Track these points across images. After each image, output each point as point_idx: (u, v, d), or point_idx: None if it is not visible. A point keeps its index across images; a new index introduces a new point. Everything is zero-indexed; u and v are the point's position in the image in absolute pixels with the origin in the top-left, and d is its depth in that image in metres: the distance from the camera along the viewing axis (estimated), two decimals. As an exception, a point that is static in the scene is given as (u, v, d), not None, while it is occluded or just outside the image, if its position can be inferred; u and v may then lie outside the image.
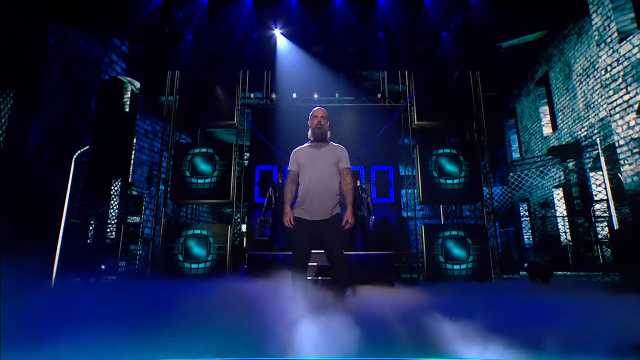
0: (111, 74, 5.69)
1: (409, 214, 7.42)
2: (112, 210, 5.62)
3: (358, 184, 5.88)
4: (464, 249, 4.79)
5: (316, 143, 2.43)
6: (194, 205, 6.46)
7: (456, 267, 4.74)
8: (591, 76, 6.29)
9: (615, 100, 4.04)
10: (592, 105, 6.34)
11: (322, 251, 2.30)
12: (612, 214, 4.24)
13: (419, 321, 1.72)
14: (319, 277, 3.70)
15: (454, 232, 4.87)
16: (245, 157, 8.12)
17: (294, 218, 2.30)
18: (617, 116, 4.01)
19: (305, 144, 2.50)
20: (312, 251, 2.31)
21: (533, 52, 8.04)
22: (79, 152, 4.09)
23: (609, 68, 4.13)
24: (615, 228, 4.19)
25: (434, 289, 3.77)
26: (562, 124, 7.35)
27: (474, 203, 5.70)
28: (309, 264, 2.35)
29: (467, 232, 4.88)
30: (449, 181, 5.06)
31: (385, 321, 1.81)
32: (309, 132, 2.50)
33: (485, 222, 5.10)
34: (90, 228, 5.29)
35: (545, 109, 8.27)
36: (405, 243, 6.85)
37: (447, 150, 5.18)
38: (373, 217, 5.72)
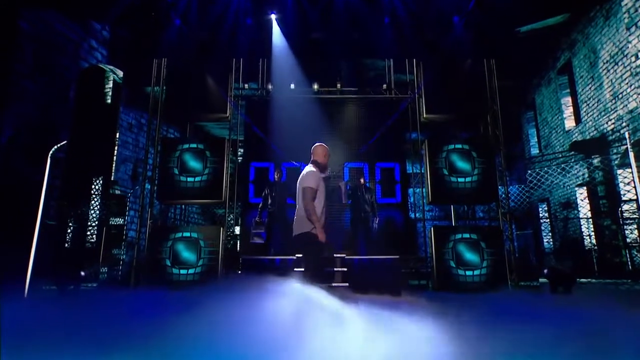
0: (91, 62, 5.64)
1: (416, 214, 7.39)
2: (92, 211, 5.60)
3: (362, 182, 5.84)
4: (478, 253, 4.74)
5: (323, 174, 3.03)
6: (183, 206, 6.44)
7: (469, 273, 4.69)
8: (620, 63, 6.16)
9: (648, 89, 3.89)
10: (620, 96, 6.21)
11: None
12: (643, 216, 4.12)
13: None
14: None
15: (466, 235, 4.82)
16: (239, 153, 8.10)
17: (312, 234, 2.79)
18: (650, 107, 3.86)
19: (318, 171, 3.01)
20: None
21: (555, 38, 7.92)
22: (56, 147, 4.03)
23: (639, 54, 3.98)
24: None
25: (445, 298, 3.68)
26: (586, 117, 7.25)
27: (488, 203, 5.64)
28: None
29: (480, 235, 4.83)
30: (460, 179, 5.00)
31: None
32: (323, 166, 3.03)
33: (500, 224, 5.05)
34: (69, 230, 5.26)
35: (567, 100, 8.15)
36: (412, 247, 6.90)
37: (459, 146, 5.13)
38: (377, 219, 5.71)
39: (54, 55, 4.88)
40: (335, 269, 4.44)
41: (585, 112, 7.28)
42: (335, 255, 4.35)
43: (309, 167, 2.96)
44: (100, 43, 5.81)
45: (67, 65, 5.11)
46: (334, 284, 4.10)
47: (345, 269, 4.52)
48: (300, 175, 2.93)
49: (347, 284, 4.25)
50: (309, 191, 2.78)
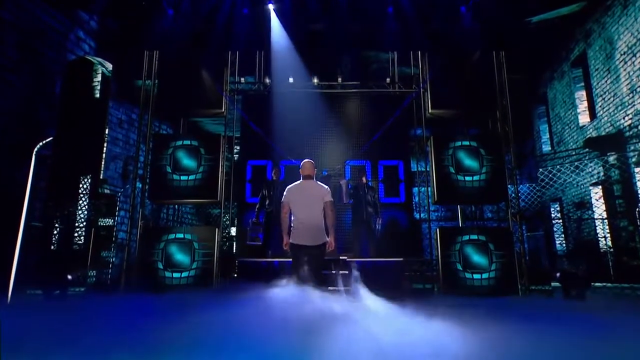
0: (78, 54, 5.63)
1: (421, 215, 7.36)
2: (80, 212, 5.58)
3: (364, 180, 5.83)
4: (486, 255, 4.72)
5: None
6: (176, 206, 6.44)
7: (476, 276, 4.68)
8: (638, 55, 6.09)
9: (668, 81, 3.82)
10: (638, 89, 6.14)
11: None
12: (662, 217, 4.07)
13: None
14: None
15: (474, 237, 4.81)
16: (235, 150, 8.07)
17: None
18: (670, 101, 3.80)
19: None
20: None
21: (568, 28, 7.83)
22: (41, 144, 3.99)
23: (660, 44, 3.91)
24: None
25: (452, 303, 3.64)
26: (601, 112, 7.17)
27: (497, 203, 5.71)
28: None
29: (489, 237, 4.82)
30: (468, 178, 4.99)
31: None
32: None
33: (510, 225, 5.03)
34: (55, 232, 5.25)
35: (581, 94, 8.08)
36: (417, 249, 6.84)
37: (466, 143, 5.12)
38: (380, 219, 5.70)
39: (39, 47, 4.86)
40: (337, 272, 4.50)
41: (600, 106, 7.20)
42: (336, 258, 4.78)
43: (316, 182, 3.49)
44: (88, 34, 5.81)
45: (53, 58, 5.09)
46: (337, 288, 4.12)
47: (346, 272, 4.53)
48: (309, 188, 3.41)
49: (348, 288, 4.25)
50: (333, 204, 3.41)
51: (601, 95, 7.16)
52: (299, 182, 3.50)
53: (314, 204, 3.34)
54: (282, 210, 3.40)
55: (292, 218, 3.39)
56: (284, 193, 3.45)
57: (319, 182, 3.53)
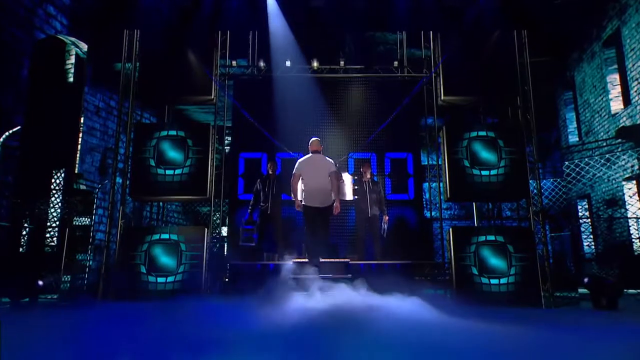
0: (48, 32, 5.62)
1: (432, 213, 7.37)
2: (52, 210, 5.60)
3: (369, 175, 5.86)
4: (504, 258, 4.71)
5: None
6: (161, 203, 6.46)
7: (494, 281, 4.68)
8: (679, 32, 5.95)
9: None
10: (678, 72, 6.01)
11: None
12: None
13: None
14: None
15: (491, 237, 4.81)
16: (227, 141, 8.07)
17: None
18: None
19: None
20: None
21: (600, 3, 7.72)
22: (7, 133, 3.95)
23: None
24: None
25: (467, 313, 3.55)
26: (637, 97, 7.05)
27: (517, 200, 5.61)
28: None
29: (508, 238, 4.81)
30: (484, 172, 4.99)
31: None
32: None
33: (531, 225, 5.01)
34: (24, 233, 5.26)
35: (614, 77, 7.98)
36: (428, 250, 6.82)
37: (483, 133, 5.10)
38: (387, 218, 5.70)
39: (3, 24, 4.80)
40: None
41: (636, 91, 7.09)
42: (338, 260, 5.02)
43: (323, 156, 4.47)
44: (60, 10, 5.79)
45: (19, 37, 5.06)
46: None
47: (349, 276, 4.56)
48: (317, 161, 4.39)
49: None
50: (337, 175, 4.43)
51: (637, 79, 7.04)
52: (308, 155, 4.46)
53: (321, 173, 4.33)
54: (293, 179, 4.37)
55: (303, 185, 4.37)
56: (296, 165, 4.43)
57: (325, 156, 4.48)
